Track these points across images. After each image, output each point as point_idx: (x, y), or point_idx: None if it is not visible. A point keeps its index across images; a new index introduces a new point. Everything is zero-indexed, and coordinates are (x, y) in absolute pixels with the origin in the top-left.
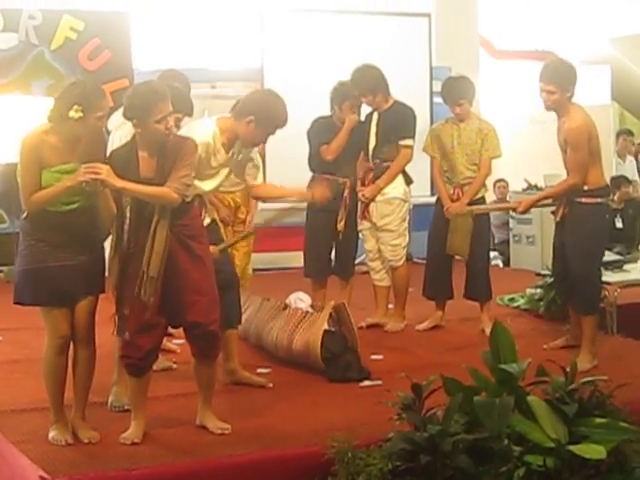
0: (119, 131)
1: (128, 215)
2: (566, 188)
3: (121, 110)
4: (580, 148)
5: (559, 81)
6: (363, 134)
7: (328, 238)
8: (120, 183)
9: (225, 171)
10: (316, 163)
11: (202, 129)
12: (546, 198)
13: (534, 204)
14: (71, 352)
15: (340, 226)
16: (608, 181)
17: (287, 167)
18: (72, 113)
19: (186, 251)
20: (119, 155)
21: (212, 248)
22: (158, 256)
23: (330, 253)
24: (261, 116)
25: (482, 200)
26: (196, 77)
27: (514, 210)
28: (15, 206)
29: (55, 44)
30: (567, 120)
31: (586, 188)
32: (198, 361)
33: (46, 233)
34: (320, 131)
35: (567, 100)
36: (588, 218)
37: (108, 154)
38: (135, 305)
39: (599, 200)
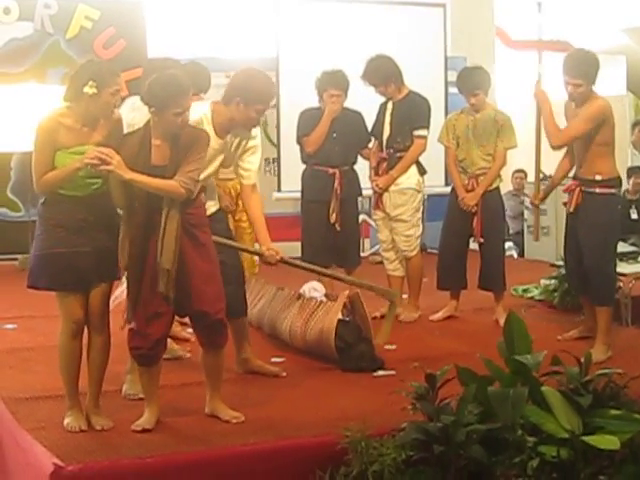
0: (137, 112)
1: (138, 201)
2: (550, 131)
3: (131, 101)
4: (587, 122)
5: (585, 74)
6: (353, 124)
7: (322, 229)
8: (129, 174)
9: (220, 158)
10: (304, 155)
11: (194, 112)
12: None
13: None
14: (86, 340)
15: (333, 217)
16: (625, 172)
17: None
18: (87, 89)
19: (191, 240)
20: (131, 140)
21: None
22: (169, 248)
23: (327, 243)
24: (246, 94)
25: (497, 191)
26: (211, 66)
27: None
28: (31, 195)
29: (70, 33)
30: (588, 105)
31: (599, 178)
32: (206, 350)
33: (63, 218)
34: (304, 122)
35: (591, 90)
36: (602, 209)
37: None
38: (143, 294)
39: (612, 191)
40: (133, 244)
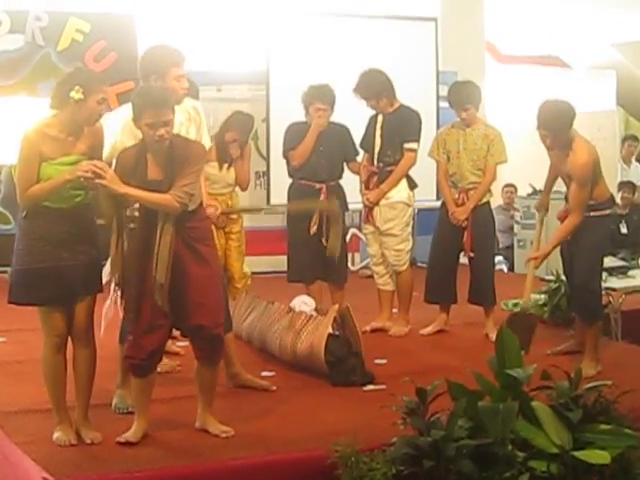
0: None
1: (136, 214)
2: (571, 229)
3: (117, 111)
4: (586, 185)
5: (560, 127)
6: (339, 138)
7: (309, 243)
8: (123, 188)
9: None
10: (291, 169)
11: (121, 111)
12: (556, 245)
13: (547, 255)
14: (70, 353)
15: (312, 230)
16: (617, 186)
17: None
18: (73, 93)
19: (192, 254)
20: (129, 155)
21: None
22: (164, 262)
23: (314, 258)
24: (157, 68)
25: (487, 205)
26: (202, 80)
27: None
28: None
29: (61, 46)
30: (572, 153)
31: (592, 202)
32: (201, 364)
33: (46, 231)
34: (290, 136)
35: (566, 138)
36: (593, 230)
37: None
38: (139, 306)
39: (606, 212)
40: (130, 258)
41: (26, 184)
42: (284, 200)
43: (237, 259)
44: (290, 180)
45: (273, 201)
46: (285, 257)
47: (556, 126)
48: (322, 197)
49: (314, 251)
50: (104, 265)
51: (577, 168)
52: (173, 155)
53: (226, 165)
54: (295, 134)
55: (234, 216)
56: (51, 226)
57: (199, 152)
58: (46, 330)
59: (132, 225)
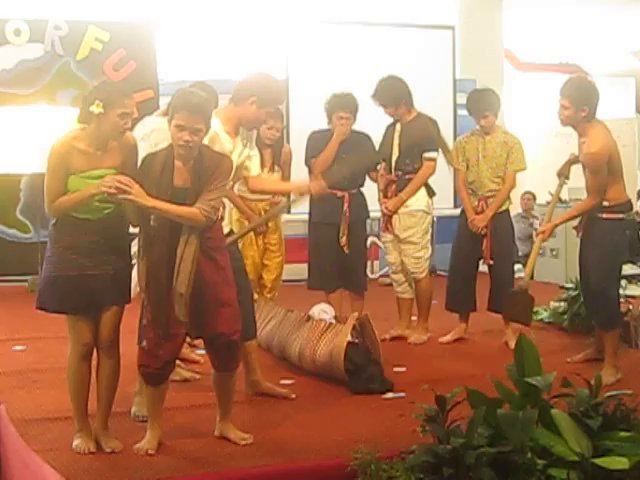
0: (144, 142)
1: (158, 225)
2: (585, 209)
3: (145, 120)
4: (598, 173)
5: (574, 98)
6: (361, 146)
7: (331, 251)
8: (150, 202)
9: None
10: (313, 177)
11: (145, 126)
12: (566, 220)
13: (556, 227)
14: (95, 361)
15: (343, 241)
16: (636, 194)
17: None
18: (93, 107)
19: (210, 262)
20: (155, 160)
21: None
22: (186, 273)
23: (335, 266)
24: (262, 95)
25: (506, 213)
26: (221, 88)
27: (541, 236)
28: (40, 216)
29: (81, 55)
30: (586, 142)
31: (606, 204)
32: (218, 372)
33: (74, 240)
34: (313, 144)
35: (583, 119)
36: (606, 234)
37: (141, 159)
38: (159, 314)
39: (620, 216)
40: (152, 266)
41: (53, 195)
42: (304, 208)
43: (274, 271)
44: None
45: (293, 209)
46: (304, 265)
47: (577, 96)
48: (345, 206)
49: (336, 259)
50: None
51: (588, 156)
52: (201, 165)
53: (266, 170)
54: (317, 142)
55: (271, 225)
56: (78, 236)
57: (228, 167)
58: (72, 338)
59: (154, 233)
